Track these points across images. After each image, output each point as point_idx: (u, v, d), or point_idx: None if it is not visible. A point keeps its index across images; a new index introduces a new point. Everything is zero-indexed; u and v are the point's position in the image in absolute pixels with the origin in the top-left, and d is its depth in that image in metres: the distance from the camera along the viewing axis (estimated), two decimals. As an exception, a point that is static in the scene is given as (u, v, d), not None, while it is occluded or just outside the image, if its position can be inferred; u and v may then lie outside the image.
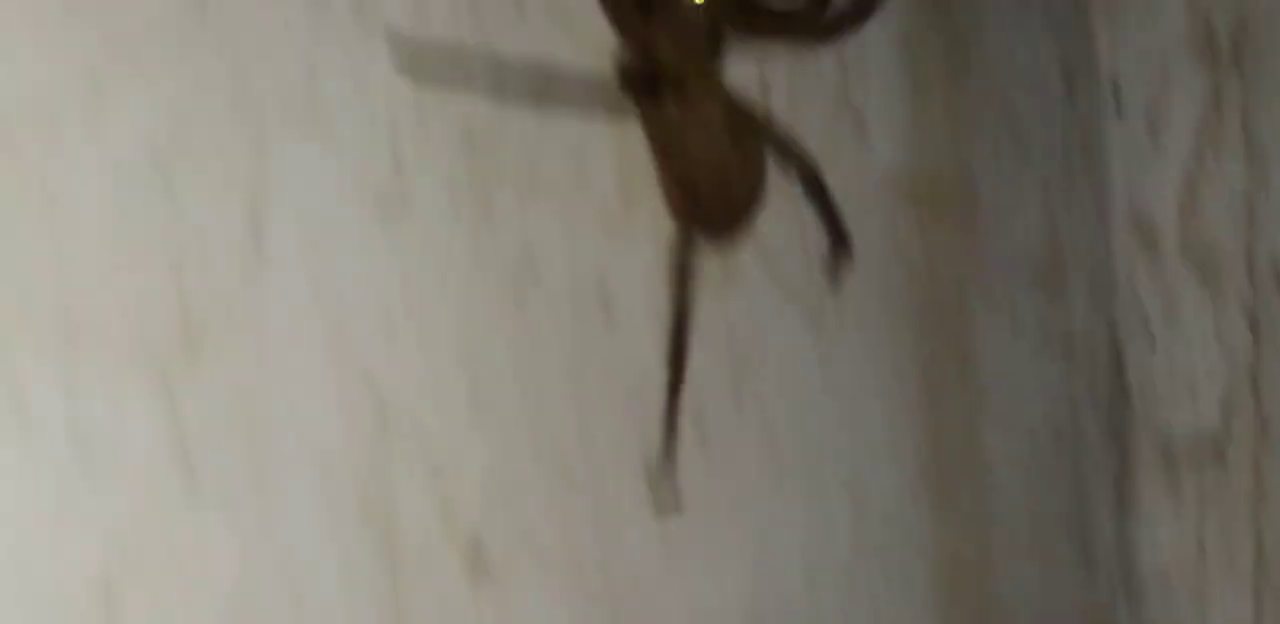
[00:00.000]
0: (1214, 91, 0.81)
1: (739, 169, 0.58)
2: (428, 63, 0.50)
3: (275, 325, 0.46)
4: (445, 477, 0.50)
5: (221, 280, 0.45)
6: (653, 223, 0.58)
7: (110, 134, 0.42)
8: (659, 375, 0.57)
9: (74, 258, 0.41)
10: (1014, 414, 0.76)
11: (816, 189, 0.61)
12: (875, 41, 0.69)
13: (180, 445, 0.43)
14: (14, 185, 0.40)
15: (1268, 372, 0.80)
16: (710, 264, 0.60)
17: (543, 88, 0.53)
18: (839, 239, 0.63)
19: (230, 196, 0.45)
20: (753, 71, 0.63)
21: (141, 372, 0.42)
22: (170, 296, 0.43)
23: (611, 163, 0.57)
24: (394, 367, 0.49)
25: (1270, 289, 0.81)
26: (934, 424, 0.71)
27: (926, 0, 0.72)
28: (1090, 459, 0.81)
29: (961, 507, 0.72)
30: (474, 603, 0.50)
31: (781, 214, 0.63)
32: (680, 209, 0.57)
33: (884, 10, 0.69)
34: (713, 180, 0.57)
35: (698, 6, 0.55)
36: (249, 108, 0.45)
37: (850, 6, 0.59)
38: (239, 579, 0.43)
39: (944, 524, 0.71)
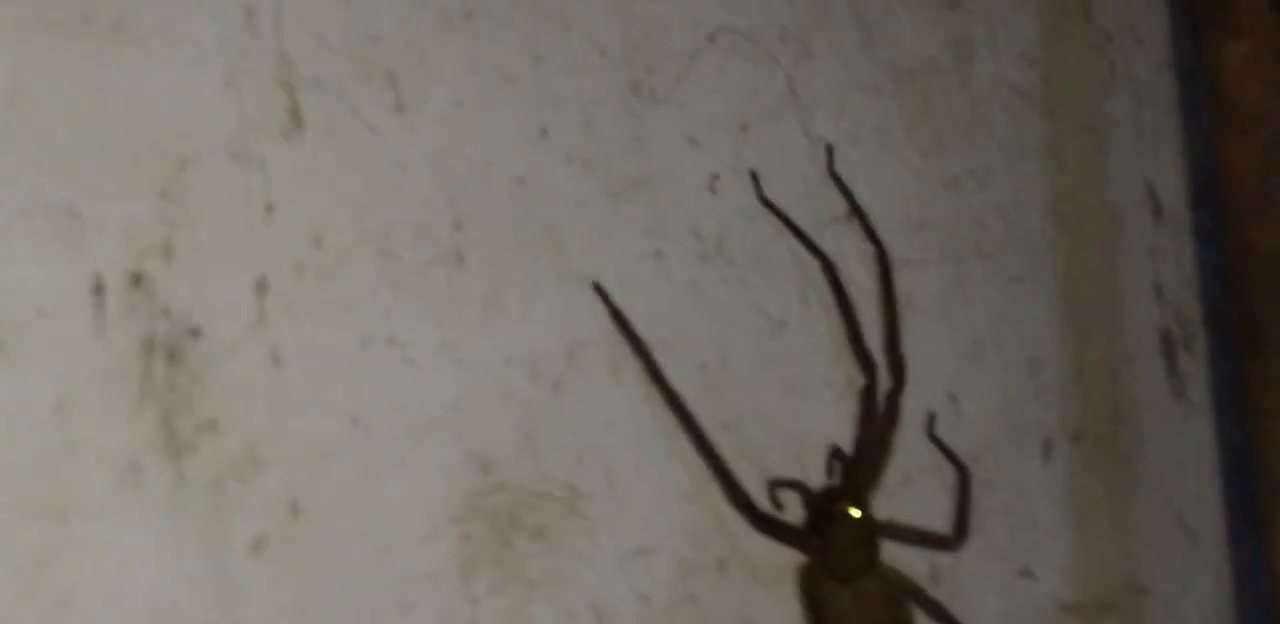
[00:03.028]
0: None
1: None
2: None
3: None
4: None
5: None
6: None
7: None
8: None
9: None
10: None
11: None
12: (1041, 504, 0.85)
13: None
14: None
15: None
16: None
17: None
18: None
19: None
20: (924, 558, 0.80)
21: None
22: None
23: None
24: None
25: None
26: None
27: (1089, 446, 0.88)
28: None
29: None
30: None
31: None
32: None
33: (1048, 468, 0.86)
34: None
35: (859, 521, 0.74)
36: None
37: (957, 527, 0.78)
38: None
39: None
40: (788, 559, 0.75)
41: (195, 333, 0.59)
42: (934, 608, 0.77)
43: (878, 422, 0.76)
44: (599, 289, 0.70)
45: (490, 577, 0.66)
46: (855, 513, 0.73)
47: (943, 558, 0.81)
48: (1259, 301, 0.64)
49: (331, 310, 0.63)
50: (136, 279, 0.58)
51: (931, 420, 0.80)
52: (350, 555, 0.63)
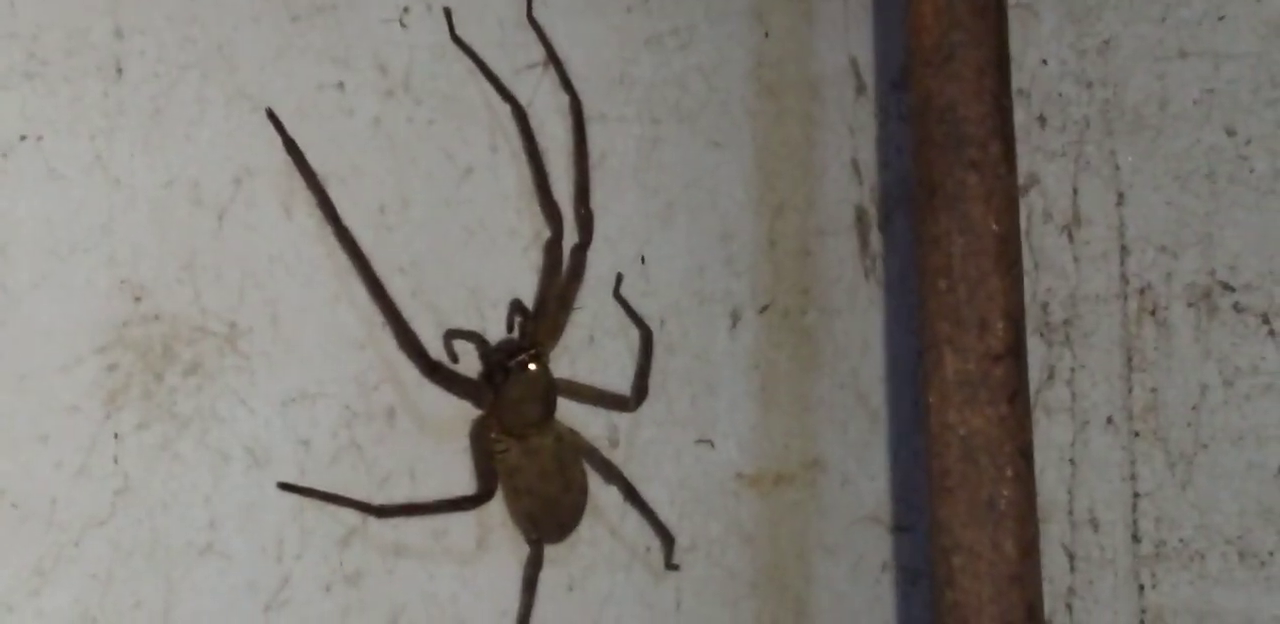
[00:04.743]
0: (1047, 361, 0.96)
1: (567, 491, 0.74)
2: (310, 492, 0.66)
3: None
4: None
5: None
6: (502, 555, 0.74)
7: (49, 605, 0.59)
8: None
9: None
10: (849, 641, 0.92)
11: (633, 498, 0.77)
12: (724, 373, 0.84)
13: None
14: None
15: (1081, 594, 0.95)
16: (557, 570, 0.76)
17: (408, 498, 0.70)
18: (661, 533, 0.79)
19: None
20: (603, 421, 0.79)
21: None
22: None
23: (471, 518, 0.74)
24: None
25: (1088, 531, 0.96)
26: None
27: (776, 318, 0.87)
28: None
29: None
30: None
31: (621, 516, 0.80)
32: (525, 533, 0.74)
33: (734, 338, 0.85)
34: (547, 504, 0.73)
35: (535, 376, 0.71)
36: (161, 558, 0.62)
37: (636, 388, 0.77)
38: None
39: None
40: (459, 412, 0.72)
41: None
42: (607, 468, 0.75)
43: (562, 277, 0.73)
44: (272, 116, 0.66)
45: (137, 411, 0.62)
46: (532, 368, 0.71)
47: (622, 421, 0.79)
48: (934, 155, 0.63)
49: (-31, 113, 0.58)
50: None
51: (618, 281, 0.78)
52: (-21, 379, 0.58)
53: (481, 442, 0.71)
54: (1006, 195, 0.62)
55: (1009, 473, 0.65)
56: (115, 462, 0.61)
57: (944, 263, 0.64)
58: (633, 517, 0.79)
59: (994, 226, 0.61)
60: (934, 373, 0.66)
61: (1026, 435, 0.66)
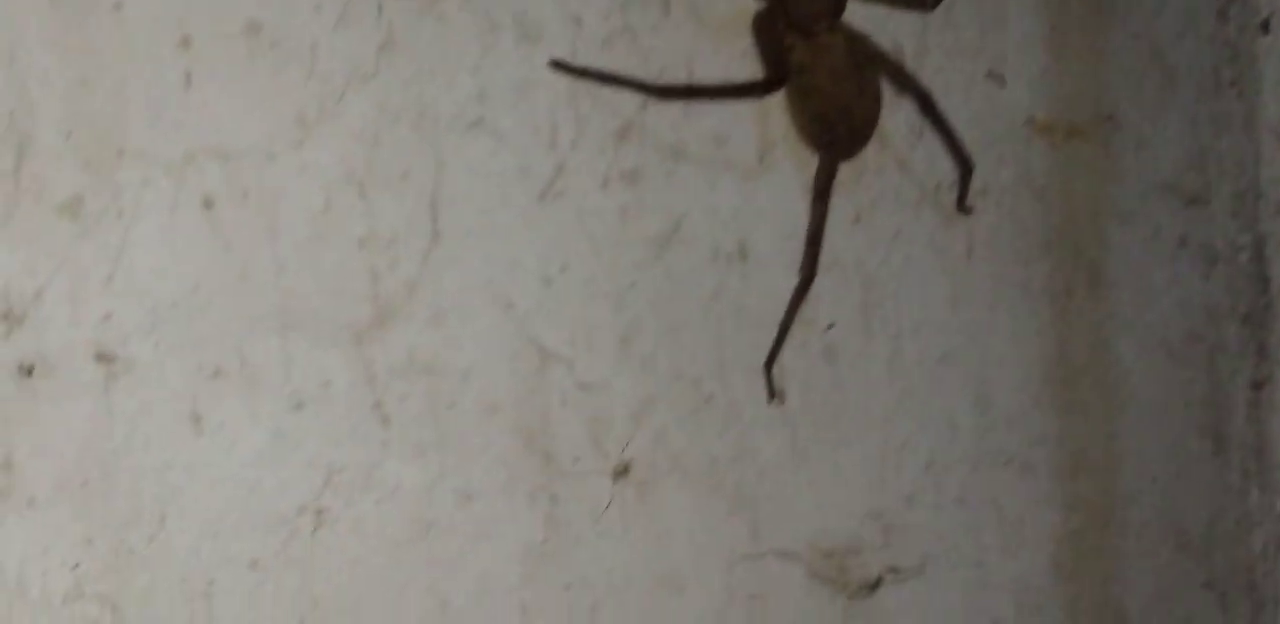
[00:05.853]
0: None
1: (860, 96, 0.67)
2: (584, 72, 0.60)
3: (449, 291, 0.57)
4: (596, 404, 0.61)
5: (405, 261, 0.56)
6: (785, 175, 0.68)
7: (313, 160, 0.54)
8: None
9: (288, 256, 0.53)
10: (1147, 320, 0.83)
11: (930, 112, 0.70)
12: (1013, 5, 0.76)
13: (374, 398, 0.55)
14: (240, 204, 0.52)
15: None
16: (843, 200, 0.69)
17: (687, 82, 0.63)
18: (957, 156, 0.71)
19: (411, 195, 0.56)
20: (886, 27, 0.71)
21: (342, 339, 0.55)
22: (363, 279, 0.55)
23: (752, 129, 0.67)
24: (551, 317, 0.60)
25: None
26: (1061, 331, 0.79)
27: (1069, -52, 0.79)
28: (1227, 358, 0.88)
29: (1088, 405, 0.81)
30: (621, 507, 0.62)
31: (911, 146, 0.72)
32: (814, 138, 0.67)
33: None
34: (839, 107, 0.66)
35: None
36: (428, 127, 0.56)
37: None
38: (423, 501, 0.56)
39: (1069, 422, 0.80)
40: (738, 5, 0.65)
41: None
42: (901, 77, 0.68)
43: None
44: None
45: (400, -38, 0.56)
46: (818, -49, 0.64)
47: (908, 43, 0.72)
48: None
49: None
50: None
51: (900, -113, 0.71)
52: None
53: (767, 36, 0.64)
54: None
55: None
56: (380, 11, 0.56)
57: None
58: (923, 150, 0.72)
59: None
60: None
61: None
